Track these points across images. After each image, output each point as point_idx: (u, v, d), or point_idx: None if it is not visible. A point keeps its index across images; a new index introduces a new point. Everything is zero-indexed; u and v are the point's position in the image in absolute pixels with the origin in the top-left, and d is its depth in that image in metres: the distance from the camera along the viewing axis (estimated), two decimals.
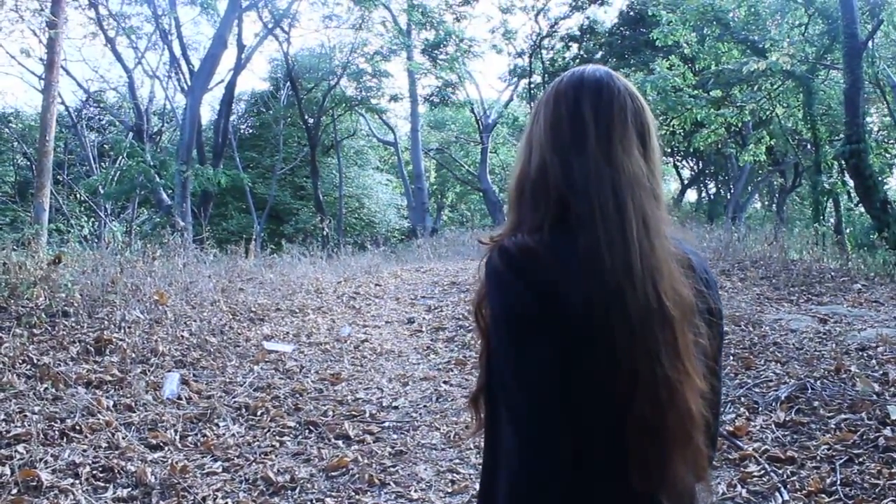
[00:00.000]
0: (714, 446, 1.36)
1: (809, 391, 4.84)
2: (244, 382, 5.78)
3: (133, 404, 4.98)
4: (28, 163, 22.41)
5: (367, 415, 5.24)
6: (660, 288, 1.16)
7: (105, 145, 23.53)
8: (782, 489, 3.61)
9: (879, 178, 13.20)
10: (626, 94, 1.30)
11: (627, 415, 1.15)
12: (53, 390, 5.00)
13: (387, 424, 5.08)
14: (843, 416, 4.38)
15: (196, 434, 4.69)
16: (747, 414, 4.69)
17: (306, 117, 24.07)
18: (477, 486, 3.98)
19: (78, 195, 16.69)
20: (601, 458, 1.18)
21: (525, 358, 1.18)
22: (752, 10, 17.26)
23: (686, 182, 33.97)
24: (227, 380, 5.85)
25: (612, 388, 1.15)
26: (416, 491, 4.00)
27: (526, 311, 1.18)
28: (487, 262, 1.25)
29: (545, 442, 1.15)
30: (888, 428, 4.08)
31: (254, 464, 4.27)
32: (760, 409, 4.74)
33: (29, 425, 4.37)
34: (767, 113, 18.94)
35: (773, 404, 4.74)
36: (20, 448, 4.07)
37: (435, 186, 35.92)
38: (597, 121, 1.26)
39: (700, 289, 1.26)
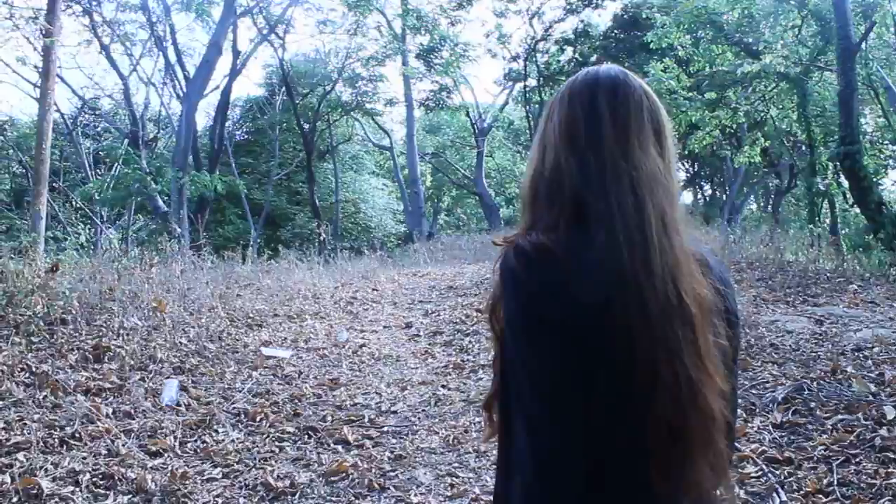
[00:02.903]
0: (733, 447, 1.35)
1: (806, 392, 4.86)
2: (243, 388, 5.79)
3: (132, 411, 4.99)
4: (23, 170, 22.42)
5: (366, 419, 5.25)
6: (679, 286, 1.15)
7: (101, 152, 23.56)
8: (780, 490, 3.63)
9: (874, 180, 13.25)
10: (641, 92, 1.29)
11: (648, 416, 1.12)
12: (52, 398, 5.00)
13: (386, 429, 5.09)
14: (839, 416, 4.40)
15: (195, 440, 4.70)
16: (744, 415, 4.70)
17: (302, 122, 24.12)
18: (476, 490, 4.00)
19: (74, 202, 16.68)
20: (620, 462, 1.16)
21: (541, 361, 1.16)
22: (746, 12, 17.32)
23: (682, 184, 33.96)
24: (226, 386, 5.85)
25: (631, 389, 1.13)
26: (415, 495, 4.01)
27: (542, 313, 1.16)
28: (503, 262, 1.21)
29: (561, 447, 1.13)
30: (884, 428, 4.10)
31: (253, 469, 4.28)
32: (758, 410, 4.75)
33: (28, 433, 4.37)
34: (762, 115, 19.02)
35: (770, 405, 4.75)
36: (20, 456, 4.07)
37: (431, 191, 35.97)
38: (613, 118, 1.24)
39: (718, 287, 1.24)
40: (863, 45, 13.49)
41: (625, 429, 1.15)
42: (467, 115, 29.37)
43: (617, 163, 1.21)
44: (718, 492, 1.26)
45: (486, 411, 1.36)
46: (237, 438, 4.75)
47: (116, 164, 19.13)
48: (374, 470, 4.32)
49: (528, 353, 1.17)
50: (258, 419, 5.11)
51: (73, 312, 6.57)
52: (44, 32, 10.63)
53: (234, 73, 20.76)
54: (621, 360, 1.12)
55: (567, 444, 1.14)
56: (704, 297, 1.18)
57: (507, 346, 1.24)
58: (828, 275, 9.74)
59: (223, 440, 4.70)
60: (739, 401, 4.90)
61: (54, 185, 18.39)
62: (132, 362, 5.91)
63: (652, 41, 17.69)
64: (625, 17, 25.60)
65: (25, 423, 4.53)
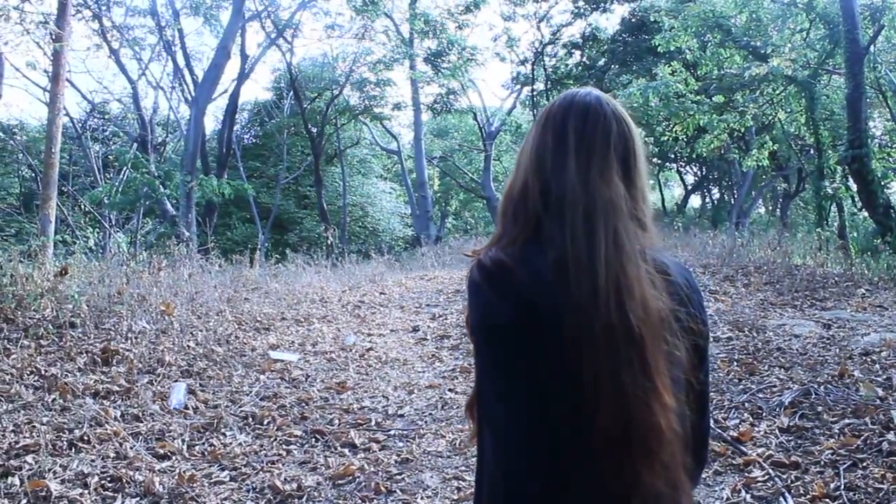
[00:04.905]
0: (698, 458, 1.38)
1: (813, 396, 4.85)
2: (250, 392, 5.81)
3: (140, 414, 5.01)
4: (32, 174, 22.47)
5: (373, 423, 5.26)
6: (627, 307, 1.19)
7: (109, 156, 23.57)
8: (786, 494, 3.62)
9: (882, 183, 13.18)
10: (612, 118, 1.33)
11: (593, 425, 1.17)
12: (61, 401, 5.03)
13: (392, 432, 5.10)
14: (846, 420, 4.39)
15: (203, 443, 4.72)
16: (751, 419, 4.70)
17: (310, 126, 24.13)
18: None
19: (83, 206, 16.72)
20: (577, 463, 1.20)
21: (501, 368, 1.23)
22: (754, 15, 17.29)
23: (690, 188, 34.00)
24: (234, 389, 5.87)
25: (580, 399, 1.18)
26: (422, 498, 4.02)
27: (500, 323, 1.24)
28: (469, 275, 1.31)
29: (521, 449, 1.20)
30: (892, 432, 4.09)
31: (261, 472, 4.29)
32: (764, 414, 4.75)
33: (37, 436, 4.40)
34: (770, 118, 18.98)
35: (777, 409, 4.75)
36: (29, 459, 4.10)
37: (439, 194, 35.96)
38: (578, 146, 1.30)
39: (675, 307, 1.28)
40: (871, 48, 13.45)
41: (578, 434, 1.20)
42: (475, 118, 29.37)
43: (575, 191, 1.26)
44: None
45: (469, 414, 1.44)
46: (244, 441, 4.77)
47: (125, 168, 19.15)
48: (380, 473, 4.33)
49: (488, 361, 1.27)
50: (265, 422, 5.13)
51: (82, 316, 6.62)
52: (54, 37, 10.67)
53: (243, 77, 20.77)
54: (570, 372, 1.18)
55: (527, 446, 1.20)
56: (656, 315, 1.22)
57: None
58: (836, 278, 9.72)
59: (231, 443, 4.72)
60: (746, 405, 4.92)
61: (63, 188, 18.41)
62: (140, 365, 5.94)
63: (660, 45, 17.70)
64: (632, 20, 25.58)
65: (34, 426, 4.56)
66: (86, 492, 3.83)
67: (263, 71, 42.85)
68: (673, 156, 28.83)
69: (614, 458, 1.18)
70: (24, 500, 3.68)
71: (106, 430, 4.62)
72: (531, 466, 1.19)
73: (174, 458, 4.43)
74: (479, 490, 1.36)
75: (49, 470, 4.00)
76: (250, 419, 5.19)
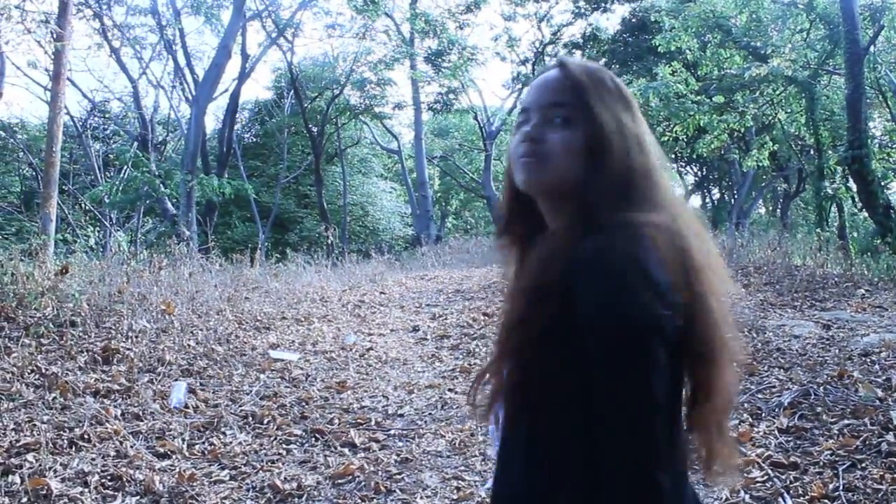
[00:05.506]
0: None
1: (812, 397, 4.85)
2: (250, 391, 5.81)
3: (141, 413, 5.02)
4: (33, 173, 22.48)
5: (373, 422, 5.27)
6: (721, 290, 1.23)
7: (110, 155, 23.62)
8: (785, 495, 3.62)
9: (882, 184, 13.22)
10: None
11: (700, 415, 1.23)
12: (62, 399, 5.04)
13: (392, 432, 5.11)
14: (845, 421, 4.39)
15: (203, 442, 4.72)
16: (750, 420, 4.70)
17: (310, 126, 24.13)
18: (482, 493, 4.00)
19: (83, 205, 16.74)
20: (683, 451, 1.22)
21: (659, 375, 1.09)
22: (754, 16, 17.32)
23: (690, 188, 33.96)
24: (234, 388, 5.88)
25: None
26: (421, 498, 4.02)
27: (665, 324, 1.10)
28: (610, 256, 1.11)
29: (663, 445, 1.10)
30: (891, 433, 4.09)
31: (261, 472, 4.30)
32: (763, 414, 4.75)
33: (38, 434, 4.41)
34: (770, 118, 19.01)
35: (776, 410, 4.75)
36: (30, 457, 4.11)
37: (439, 194, 35.97)
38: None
39: None
40: (871, 49, 13.47)
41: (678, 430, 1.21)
42: (475, 118, 29.38)
43: (666, 179, 1.27)
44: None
45: (496, 399, 1.30)
46: (244, 441, 4.77)
47: (126, 166, 19.16)
48: (380, 473, 4.34)
49: (646, 366, 1.09)
50: (265, 422, 5.14)
51: (83, 314, 6.62)
52: (55, 36, 10.67)
53: (243, 76, 20.77)
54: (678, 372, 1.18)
55: (668, 444, 1.12)
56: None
57: (607, 357, 1.11)
58: (835, 279, 9.71)
59: (231, 442, 4.72)
60: (745, 405, 4.92)
61: (64, 187, 18.44)
62: (140, 364, 5.95)
63: (660, 45, 17.72)
64: (633, 20, 25.61)
65: (35, 425, 4.57)
66: (86, 490, 3.84)
67: (264, 70, 42.93)
68: (673, 156, 28.80)
69: (710, 443, 1.24)
70: (25, 499, 3.69)
71: (106, 428, 4.63)
72: (675, 465, 1.15)
73: (174, 456, 4.44)
74: (541, 491, 1.19)
75: (49, 468, 4.01)
76: (250, 418, 5.19)
